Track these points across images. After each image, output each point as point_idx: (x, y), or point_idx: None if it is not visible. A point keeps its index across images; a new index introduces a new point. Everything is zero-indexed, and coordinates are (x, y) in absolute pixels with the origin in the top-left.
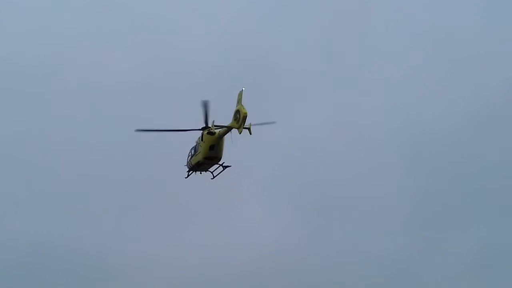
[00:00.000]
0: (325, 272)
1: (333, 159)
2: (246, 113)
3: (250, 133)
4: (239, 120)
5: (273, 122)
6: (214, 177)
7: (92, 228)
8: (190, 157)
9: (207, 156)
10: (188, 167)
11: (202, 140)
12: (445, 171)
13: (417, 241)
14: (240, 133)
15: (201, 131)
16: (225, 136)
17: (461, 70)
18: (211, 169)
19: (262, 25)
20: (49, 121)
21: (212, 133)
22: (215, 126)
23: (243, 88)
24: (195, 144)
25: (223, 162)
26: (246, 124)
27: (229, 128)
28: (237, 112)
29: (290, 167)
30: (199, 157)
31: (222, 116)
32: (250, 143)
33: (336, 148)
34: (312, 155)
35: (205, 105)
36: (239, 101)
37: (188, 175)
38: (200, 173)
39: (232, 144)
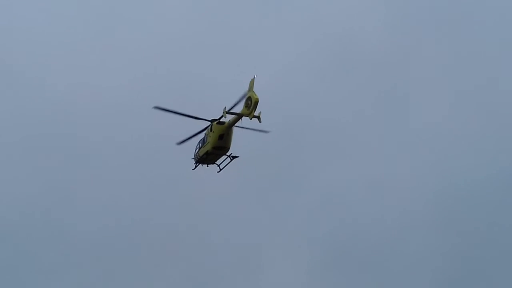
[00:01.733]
0: None
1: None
2: (257, 99)
3: (260, 121)
4: (251, 106)
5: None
6: (220, 169)
7: None
8: (198, 149)
9: (216, 145)
10: (195, 159)
11: (211, 130)
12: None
13: None
14: (250, 119)
15: (210, 123)
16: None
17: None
18: (218, 162)
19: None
20: None
21: (222, 123)
22: (227, 112)
23: (255, 76)
24: (203, 136)
25: (231, 153)
26: (256, 113)
27: (239, 116)
28: (249, 98)
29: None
30: (208, 147)
31: None
32: None
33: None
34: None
35: (161, 109)
36: (251, 88)
37: (196, 167)
38: (207, 166)
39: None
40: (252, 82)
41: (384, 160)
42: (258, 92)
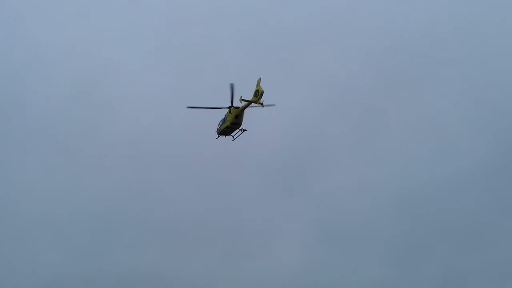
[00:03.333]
0: None
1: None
2: (263, 91)
3: (263, 106)
4: (258, 95)
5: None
6: (234, 139)
7: None
8: (220, 125)
9: (233, 122)
10: (217, 133)
11: (230, 112)
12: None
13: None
14: (257, 104)
15: (228, 108)
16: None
17: None
18: (233, 134)
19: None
20: None
21: (237, 107)
22: (242, 99)
23: (261, 76)
24: (223, 117)
25: (242, 128)
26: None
27: (250, 102)
28: (257, 91)
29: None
30: (227, 123)
31: None
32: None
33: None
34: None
35: (232, 88)
36: (258, 83)
37: (218, 137)
38: (225, 136)
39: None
40: (259, 80)
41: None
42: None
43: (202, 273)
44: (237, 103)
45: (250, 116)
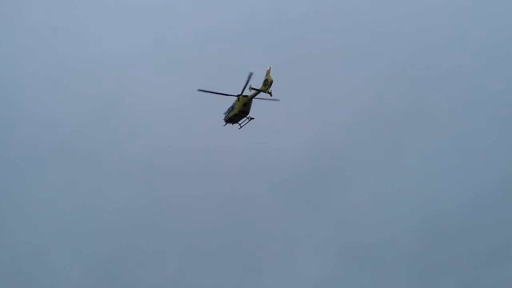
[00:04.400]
0: None
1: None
2: (272, 80)
3: (271, 95)
4: (268, 85)
5: (277, 100)
6: (241, 127)
7: None
8: (227, 113)
9: (241, 110)
10: (225, 120)
11: (238, 100)
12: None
13: None
14: (266, 92)
15: (237, 96)
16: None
17: None
18: (240, 122)
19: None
20: None
21: (246, 96)
22: (252, 88)
23: (271, 66)
24: (231, 105)
25: (249, 116)
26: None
27: (258, 91)
28: (266, 80)
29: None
30: (235, 111)
31: None
32: None
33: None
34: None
35: (249, 76)
36: (268, 73)
37: (226, 124)
38: (232, 124)
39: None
40: (268, 70)
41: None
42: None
43: None
44: (246, 92)
45: (272, 126)
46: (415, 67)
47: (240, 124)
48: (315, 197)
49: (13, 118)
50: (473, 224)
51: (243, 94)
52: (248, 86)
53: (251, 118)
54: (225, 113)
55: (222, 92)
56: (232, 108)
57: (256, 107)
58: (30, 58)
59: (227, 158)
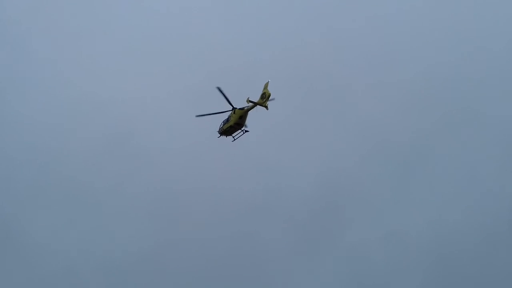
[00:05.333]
0: None
1: None
2: (270, 94)
3: (267, 109)
4: (265, 98)
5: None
6: (234, 139)
7: None
8: (222, 125)
9: (237, 122)
10: (219, 132)
11: (234, 113)
12: None
13: None
14: (263, 106)
15: (232, 110)
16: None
17: None
18: (234, 135)
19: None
20: None
21: (242, 108)
22: (249, 101)
23: (269, 80)
24: (226, 117)
25: (244, 129)
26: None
27: (255, 104)
28: (264, 93)
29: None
30: (231, 123)
31: None
32: None
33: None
34: None
35: (221, 91)
36: (265, 87)
37: (220, 136)
38: (226, 136)
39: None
40: (266, 84)
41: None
42: None
43: None
44: (235, 105)
45: (281, 163)
46: (427, 104)
47: (233, 137)
48: (324, 234)
49: (17, 154)
50: (483, 261)
51: (237, 107)
52: (228, 99)
53: (246, 131)
54: (220, 126)
55: (218, 111)
56: (227, 120)
57: (263, 142)
58: (37, 94)
59: (234, 194)
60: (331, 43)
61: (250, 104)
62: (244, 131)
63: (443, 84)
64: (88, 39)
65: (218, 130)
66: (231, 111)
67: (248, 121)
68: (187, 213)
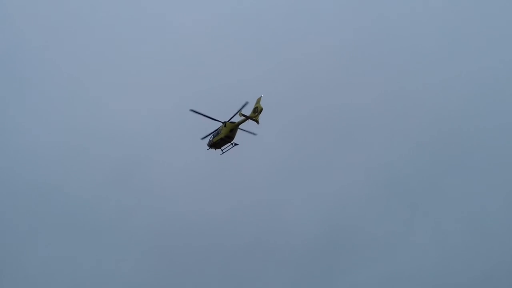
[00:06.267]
0: None
1: None
2: (262, 108)
3: (258, 123)
4: (257, 112)
5: (254, 134)
6: (223, 152)
7: None
8: (212, 137)
9: (227, 135)
10: (208, 145)
11: (225, 126)
12: None
13: None
14: (254, 120)
15: (223, 123)
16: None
17: None
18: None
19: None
20: None
21: (233, 122)
22: (241, 114)
23: (262, 95)
24: (216, 130)
25: (233, 142)
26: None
27: (247, 118)
28: (256, 107)
29: None
30: (221, 136)
31: None
32: None
33: None
34: None
35: (196, 112)
36: (258, 101)
37: (209, 149)
38: (215, 149)
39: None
40: (259, 98)
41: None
42: None
43: None
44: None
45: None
46: (429, 145)
47: (222, 150)
48: (325, 274)
49: (21, 186)
50: None
51: (227, 122)
52: (211, 117)
53: (235, 144)
54: (209, 138)
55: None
56: (217, 133)
57: (266, 178)
58: (40, 127)
59: (237, 232)
60: (337, 87)
61: (242, 117)
62: (233, 145)
63: (450, 127)
64: (91, 73)
65: (207, 142)
66: (221, 125)
67: (252, 152)
68: (187, 251)
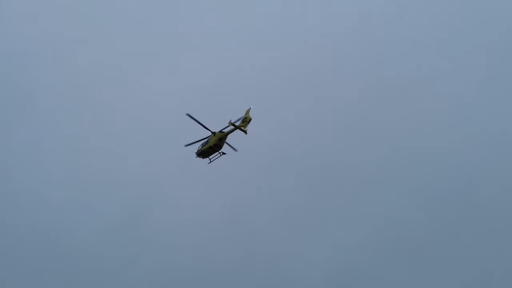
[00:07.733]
0: None
1: None
2: (251, 119)
3: (246, 134)
4: (246, 122)
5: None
6: (211, 161)
7: None
8: (200, 147)
9: (216, 144)
10: (197, 153)
11: (214, 135)
12: None
13: None
14: (242, 130)
15: (212, 133)
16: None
17: None
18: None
19: None
20: None
21: (222, 132)
22: (231, 123)
23: (251, 106)
24: (205, 140)
25: (221, 151)
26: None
27: (236, 128)
28: (245, 118)
29: None
30: (210, 144)
31: None
32: None
33: None
34: None
35: (191, 117)
36: (247, 112)
37: (197, 157)
38: (203, 158)
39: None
40: (249, 110)
41: None
42: None
43: None
44: (214, 129)
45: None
46: (435, 197)
47: (210, 159)
48: None
49: (20, 232)
50: None
51: (218, 131)
52: (203, 124)
53: (223, 153)
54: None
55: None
56: (206, 142)
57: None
58: (46, 176)
59: (245, 275)
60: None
61: (231, 127)
62: (221, 154)
63: (461, 179)
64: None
65: (196, 151)
66: (210, 134)
67: (260, 204)
68: None
